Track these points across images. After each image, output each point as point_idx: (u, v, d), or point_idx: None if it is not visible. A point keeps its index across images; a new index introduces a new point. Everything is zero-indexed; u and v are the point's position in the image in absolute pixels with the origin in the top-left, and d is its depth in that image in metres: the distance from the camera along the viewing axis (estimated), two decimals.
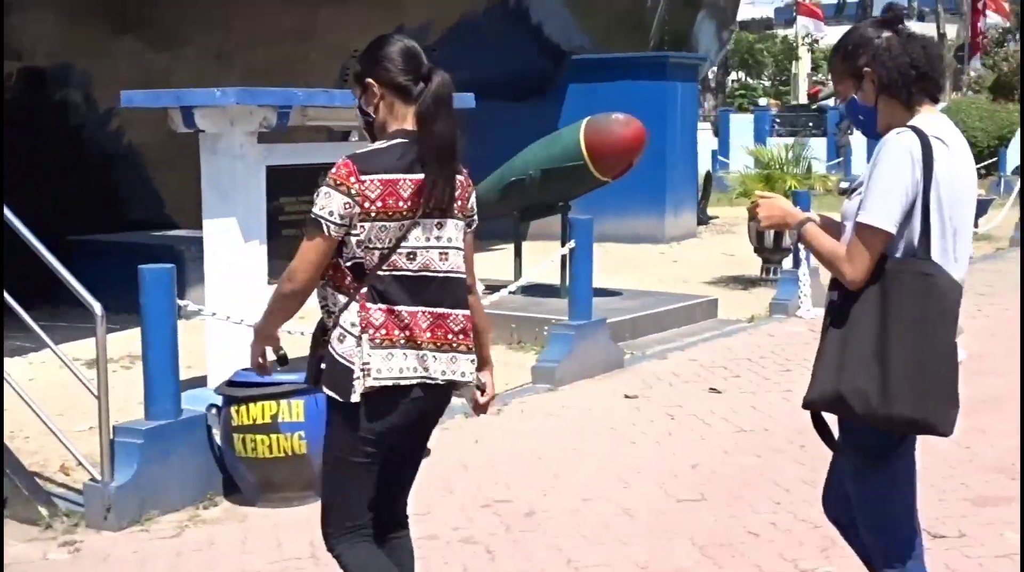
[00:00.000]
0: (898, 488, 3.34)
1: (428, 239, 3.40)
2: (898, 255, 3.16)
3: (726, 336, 9.60)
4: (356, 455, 3.39)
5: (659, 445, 6.55)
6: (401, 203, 3.32)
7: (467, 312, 3.48)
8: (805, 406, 3.26)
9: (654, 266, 14.10)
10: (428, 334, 3.38)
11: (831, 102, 27.32)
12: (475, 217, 3.58)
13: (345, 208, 3.28)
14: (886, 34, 3.30)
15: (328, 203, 3.29)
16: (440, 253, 3.42)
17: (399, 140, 3.37)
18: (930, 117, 3.25)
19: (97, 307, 5.38)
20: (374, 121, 3.45)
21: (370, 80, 3.43)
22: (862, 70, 3.31)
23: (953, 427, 3.14)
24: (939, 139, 3.18)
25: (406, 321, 3.34)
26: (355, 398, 3.31)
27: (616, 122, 9.59)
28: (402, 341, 3.33)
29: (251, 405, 5.56)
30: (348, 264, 3.34)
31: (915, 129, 3.17)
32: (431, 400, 3.44)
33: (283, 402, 5.56)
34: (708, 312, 10.31)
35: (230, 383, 5.76)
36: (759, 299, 11.40)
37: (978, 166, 17.12)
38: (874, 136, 3.36)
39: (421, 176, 3.34)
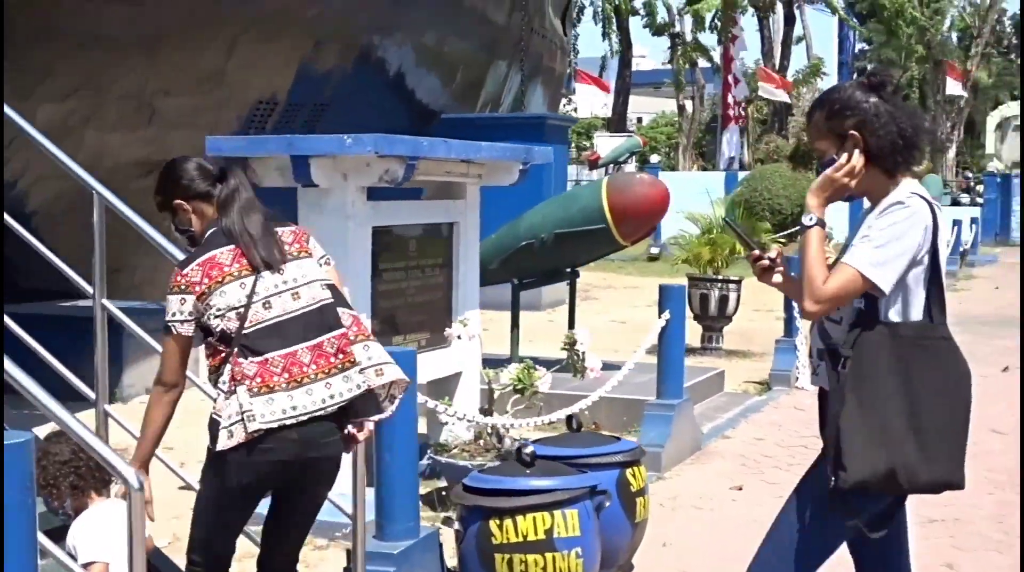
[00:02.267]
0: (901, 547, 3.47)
1: (276, 286, 3.64)
2: (894, 318, 3.19)
3: (756, 411, 9.03)
4: (226, 504, 3.63)
5: None
6: (225, 269, 3.63)
7: (338, 332, 3.63)
8: (853, 487, 3.16)
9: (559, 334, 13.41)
10: (312, 367, 3.56)
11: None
12: (325, 254, 3.92)
13: (182, 303, 3.63)
14: (873, 99, 3.28)
15: (171, 307, 3.64)
16: (292, 294, 3.65)
17: (212, 231, 3.76)
18: (915, 184, 3.29)
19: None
20: (195, 233, 3.82)
21: (179, 201, 3.81)
22: (847, 132, 3.26)
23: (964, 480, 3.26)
24: (938, 207, 3.24)
25: (280, 365, 3.54)
26: (227, 445, 3.49)
27: (641, 182, 8.94)
28: (282, 385, 3.52)
29: (520, 518, 4.54)
30: (217, 339, 3.60)
31: (922, 197, 3.21)
32: (313, 435, 3.55)
33: (557, 513, 4.57)
34: (718, 385, 9.74)
35: (472, 489, 4.72)
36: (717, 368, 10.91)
37: (785, 233, 17.56)
38: (848, 199, 3.37)
39: (230, 246, 3.69)
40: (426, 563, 4.62)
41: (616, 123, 38.74)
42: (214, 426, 3.54)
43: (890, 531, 3.38)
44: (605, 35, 36.98)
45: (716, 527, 6.12)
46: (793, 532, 3.42)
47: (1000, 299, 17.35)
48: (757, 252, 3.49)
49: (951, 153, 42.29)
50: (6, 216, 5.11)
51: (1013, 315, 14.35)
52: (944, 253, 3.29)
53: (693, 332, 12.55)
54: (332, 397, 3.55)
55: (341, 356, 3.59)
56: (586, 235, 8.87)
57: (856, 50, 46.42)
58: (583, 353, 7.26)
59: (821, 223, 3.28)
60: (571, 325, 9.03)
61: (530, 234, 9.11)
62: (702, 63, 37.67)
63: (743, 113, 30.68)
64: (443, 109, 15.89)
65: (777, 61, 33.78)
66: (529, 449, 4.74)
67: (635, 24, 37.78)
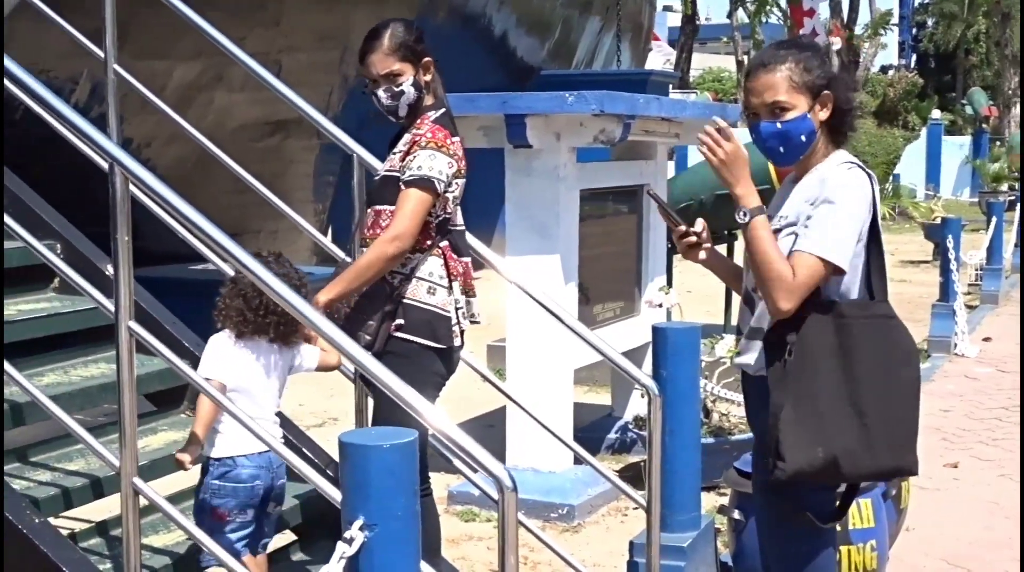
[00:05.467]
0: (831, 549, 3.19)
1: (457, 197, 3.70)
2: (833, 297, 2.98)
3: (926, 380, 8.62)
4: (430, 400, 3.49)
5: None
6: (465, 162, 3.67)
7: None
8: (789, 478, 2.93)
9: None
10: (470, 282, 3.73)
11: None
12: None
13: (448, 167, 3.55)
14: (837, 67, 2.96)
15: (435, 163, 3.52)
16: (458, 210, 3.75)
17: (444, 110, 3.70)
18: (844, 153, 3.07)
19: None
20: (422, 99, 3.67)
21: (430, 59, 3.68)
22: (821, 93, 3.01)
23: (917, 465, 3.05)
24: (873, 178, 3.03)
25: (466, 270, 3.70)
26: (457, 342, 3.61)
27: None
28: (466, 287, 3.68)
29: None
30: (437, 221, 3.59)
31: (860, 166, 3.02)
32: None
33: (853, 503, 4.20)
34: None
35: (749, 475, 4.35)
36: None
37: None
38: (786, 163, 3.09)
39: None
40: (706, 556, 4.27)
41: (679, 80, 38.06)
42: (445, 322, 3.57)
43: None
44: None
45: (951, 509, 5.77)
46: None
47: None
48: (683, 227, 3.17)
49: (1016, 109, 41.45)
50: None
51: None
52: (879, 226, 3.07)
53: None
54: (480, 312, 3.78)
55: (471, 281, 3.77)
56: None
57: (916, 3, 45.57)
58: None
59: (759, 212, 2.98)
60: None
61: (687, 196, 8.70)
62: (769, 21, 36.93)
63: None
64: (540, 66, 15.47)
65: (845, 15, 33.03)
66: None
67: None
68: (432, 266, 3.58)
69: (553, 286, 5.53)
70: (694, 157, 22.90)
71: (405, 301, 3.55)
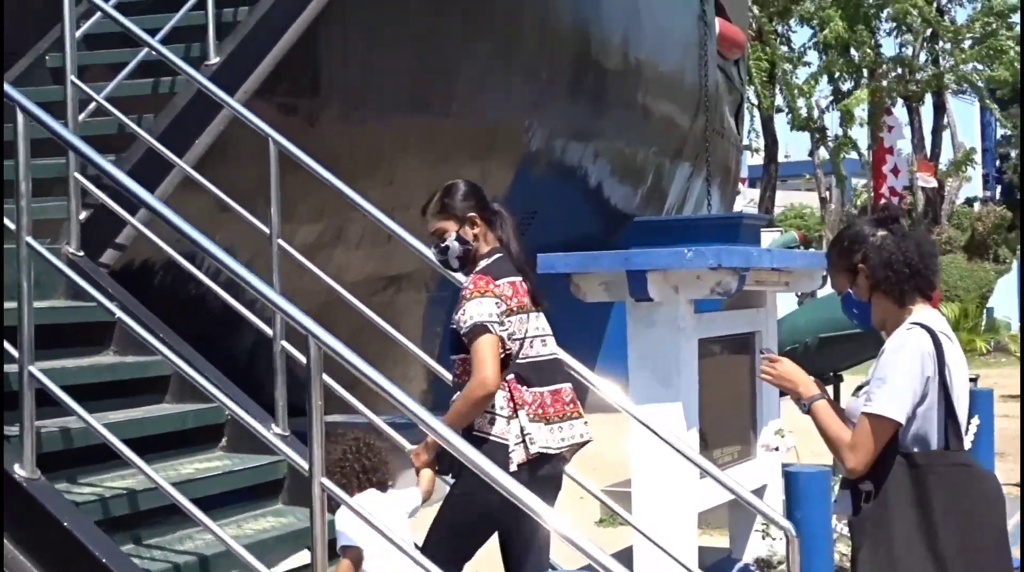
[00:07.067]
0: None
1: (537, 328, 4.03)
2: (912, 448, 3.24)
3: None
4: (482, 523, 3.90)
5: None
6: (521, 298, 3.97)
7: (570, 384, 4.13)
8: None
9: None
10: (552, 409, 3.94)
11: None
12: None
13: (498, 306, 3.85)
14: (881, 232, 3.45)
15: (483, 309, 3.83)
16: (542, 340, 4.05)
17: (499, 255, 4.06)
18: (927, 312, 3.36)
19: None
20: (472, 251, 4.06)
21: (474, 214, 4.07)
22: (857, 266, 3.46)
23: None
24: (944, 334, 3.30)
25: (550, 398, 3.95)
26: (513, 468, 3.76)
27: None
28: (540, 416, 3.89)
29: None
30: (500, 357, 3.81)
31: (923, 325, 3.28)
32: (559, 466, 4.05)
33: None
34: None
35: None
36: None
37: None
38: (868, 329, 3.57)
39: (521, 278, 4.03)
40: None
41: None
42: (502, 450, 3.79)
43: None
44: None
45: None
46: None
47: None
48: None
49: None
50: None
51: None
52: (960, 383, 3.34)
53: None
54: (572, 437, 4.01)
55: (574, 405, 4.06)
56: (853, 339, 8.69)
57: (999, 136, 45.68)
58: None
59: (816, 399, 3.43)
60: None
61: (792, 338, 8.95)
62: (847, 157, 37.32)
63: (901, 204, 30.29)
64: (633, 213, 15.89)
65: (928, 150, 33.36)
66: None
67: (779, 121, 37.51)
68: (496, 399, 3.83)
69: (677, 432, 5.78)
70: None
71: (471, 433, 3.82)
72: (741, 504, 6.59)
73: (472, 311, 3.82)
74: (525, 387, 3.89)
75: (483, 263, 4.04)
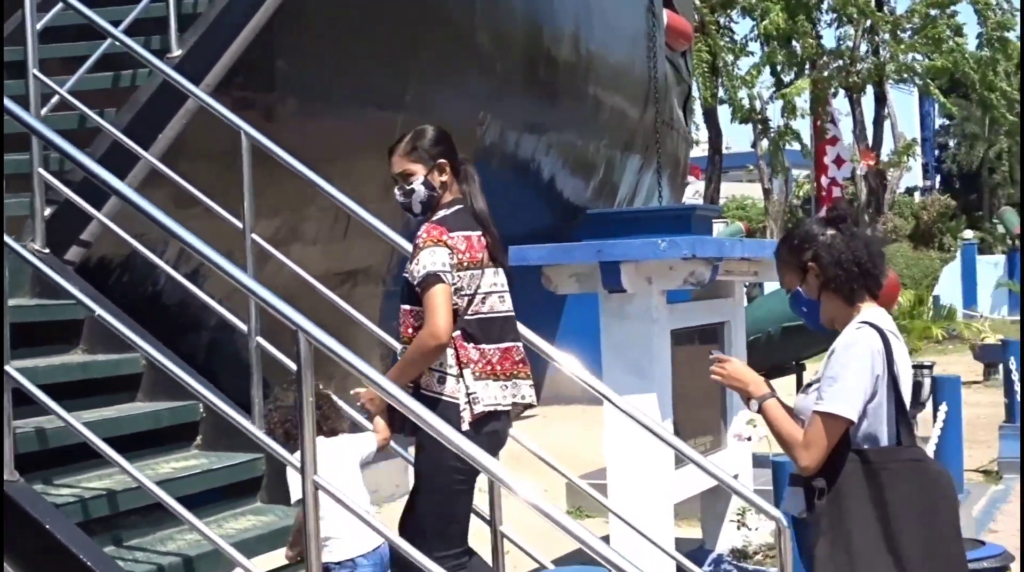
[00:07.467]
0: None
1: (494, 285, 3.96)
2: (863, 445, 3.29)
3: (1003, 501, 8.74)
4: (458, 484, 3.82)
5: None
6: (476, 253, 3.89)
7: (521, 343, 4.07)
8: None
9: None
10: (499, 367, 3.90)
11: None
12: None
13: (449, 257, 3.79)
14: (830, 231, 3.48)
15: (436, 258, 3.77)
16: (499, 296, 3.98)
17: (459, 207, 3.97)
18: (875, 311, 3.42)
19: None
20: (436, 198, 3.96)
21: (444, 161, 3.97)
22: (807, 264, 3.48)
23: None
24: (892, 333, 3.36)
25: (497, 356, 3.89)
26: (464, 428, 3.73)
27: None
28: (488, 373, 3.85)
29: None
30: None
31: (872, 324, 3.33)
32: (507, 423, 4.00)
33: None
34: None
35: None
36: None
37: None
38: (817, 327, 3.57)
39: (480, 233, 3.94)
40: None
41: None
42: (453, 409, 3.75)
43: None
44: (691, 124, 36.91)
45: None
46: None
47: None
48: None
49: None
50: None
51: None
52: (906, 380, 3.38)
53: None
54: (517, 396, 3.96)
55: (523, 364, 4.01)
56: None
57: (937, 126, 46.23)
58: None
59: (766, 398, 3.45)
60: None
61: (755, 329, 8.96)
62: (789, 147, 37.55)
63: (844, 193, 30.52)
64: (585, 205, 15.89)
65: (870, 140, 33.64)
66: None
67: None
68: (445, 357, 3.81)
69: (651, 423, 5.76)
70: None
71: (421, 392, 3.80)
72: (714, 494, 6.66)
73: (426, 260, 3.77)
74: (471, 344, 3.85)
75: (441, 213, 3.95)
